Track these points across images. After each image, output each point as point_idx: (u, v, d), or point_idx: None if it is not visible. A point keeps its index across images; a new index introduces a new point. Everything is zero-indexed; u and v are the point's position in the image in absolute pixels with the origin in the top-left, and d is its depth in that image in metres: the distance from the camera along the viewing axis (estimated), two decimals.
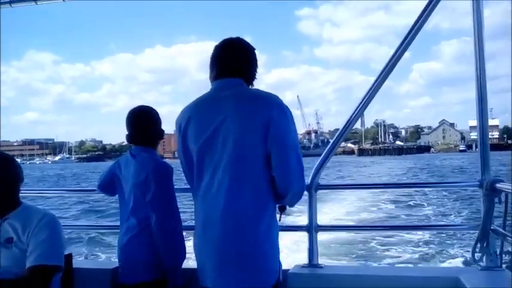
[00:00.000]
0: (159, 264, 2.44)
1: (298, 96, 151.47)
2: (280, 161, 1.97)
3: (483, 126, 2.55)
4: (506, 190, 2.37)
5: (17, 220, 2.25)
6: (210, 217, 2.01)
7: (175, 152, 2.69)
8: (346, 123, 2.78)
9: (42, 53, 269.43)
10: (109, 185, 2.73)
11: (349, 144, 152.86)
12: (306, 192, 2.70)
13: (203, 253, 2.05)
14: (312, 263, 2.70)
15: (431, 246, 9.96)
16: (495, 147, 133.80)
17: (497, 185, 2.42)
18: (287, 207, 2.17)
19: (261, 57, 2.31)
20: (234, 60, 2.11)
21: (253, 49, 2.20)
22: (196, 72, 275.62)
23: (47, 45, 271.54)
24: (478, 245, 2.52)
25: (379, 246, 9.86)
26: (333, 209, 14.60)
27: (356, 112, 2.76)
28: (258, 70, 2.21)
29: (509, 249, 2.60)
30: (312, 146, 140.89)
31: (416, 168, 48.83)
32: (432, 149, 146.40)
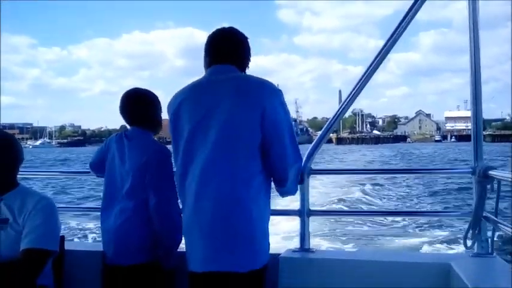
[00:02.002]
0: (154, 246, 2.45)
1: (277, 85, 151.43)
2: (276, 145, 2.02)
3: (477, 116, 2.58)
4: (499, 177, 2.39)
5: (14, 201, 2.22)
6: (200, 201, 2.00)
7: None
8: (338, 111, 2.78)
9: (17, 36, 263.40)
10: (100, 164, 2.69)
11: None
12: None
13: (193, 236, 2.04)
14: (304, 247, 2.70)
15: (423, 232, 10.11)
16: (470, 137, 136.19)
17: (490, 172, 2.43)
18: None
19: None
20: (227, 48, 2.15)
21: (246, 38, 2.24)
22: (175, 58, 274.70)
23: (23, 28, 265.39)
24: (470, 232, 2.54)
25: (371, 232, 9.97)
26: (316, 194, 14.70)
27: (349, 99, 2.75)
28: (250, 59, 2.25)
29: (501, 235, 2.63)
30: None
31: (392, 156, 49.86)
32: (408, 138, 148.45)
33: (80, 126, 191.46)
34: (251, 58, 2.27)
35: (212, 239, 1.97)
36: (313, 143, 2.82)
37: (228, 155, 1.97)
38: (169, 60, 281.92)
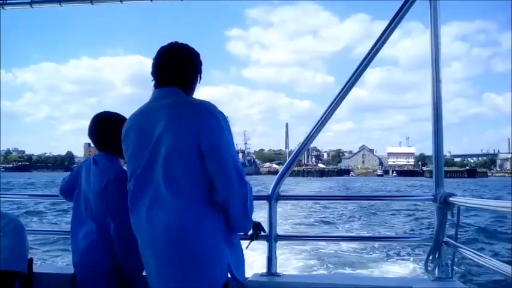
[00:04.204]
0: (119, 269, 2.43)
1: (227, 117, 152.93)
2: (216, 169, 1.92)
3: (438, 146, 2.70)
4: (459, 203, 2.51)
5: None
6: (150, 229, 1.97)
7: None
8: (306, 138, 2.86)
9: None
10: (70, 190, 2.66)
11: (274, 165, 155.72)
12: (266, 202, 2.75)
13: (148, 260, 2.01)
14: (271, 271, 2.72)
15: (386, 257, 10.27)
16: (411, 173, 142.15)
17: (451, 199, 2.55)
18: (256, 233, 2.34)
19: None
20: (171, 68, 2.09)
21: (194, 56, 2.17)
22: (123, 85, 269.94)
23: None
24: (431, 257, 2.63)
25: (336, 257, 10.06)
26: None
27: (315, 129, 2.83)
28: (200, 75, 2.19)
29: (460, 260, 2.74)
30: None
31: (337, 188, 51.33)
32: (352, 172, 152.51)
33: (24, 151, 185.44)
34: (201, 76, 2.20)
35: (165, 263, 1.94)
36: (281, 170, 2.89)
37: (170, 183, 1.92)
38: (117, 87, 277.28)
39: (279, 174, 2.84)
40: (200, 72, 2.19)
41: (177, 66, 2.09)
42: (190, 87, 2.14)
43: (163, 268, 1.94)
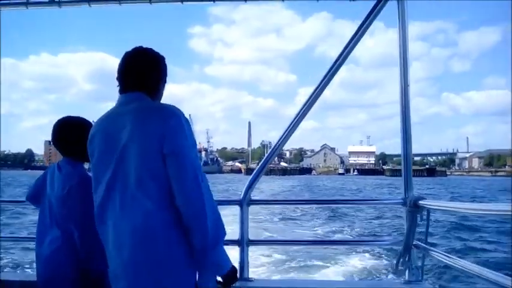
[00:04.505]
0: (84, 273, 2.37)
1: (190, 115, 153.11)
2: (174, 173, 1.88)
3: (407, 152, 2.73)
4: (429, 206, 2.55)
5: None
6: (116, 233, 1.94)
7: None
8: (278, 141, 2.85)
9: None
10: (37, 196, 2.61)
11: (237, 163, 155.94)
12: (237, 207, 2.72)
13: (117, 268, 1.96)
14: (243, 276, 2.69)
15: (357, 260, 10.35)
16: (372, 172, 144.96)
17: (420, 202, 2.59)
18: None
19: None
20: (135, 73, 2.07)
21: (159, 59, 2.15)
22: (84, 82, 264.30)
23: None
24: (401, 260, 2.66)
25: (308, 261, 10.08)
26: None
27: (288, 130, 2.82)
28: (166, 79, 2.18)
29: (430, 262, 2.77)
30: (201, 164, 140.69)
31: (300, 187, 51.63)
32: (314, 171, 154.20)
33: None
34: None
35: (132, 270, 1.90)
36: (253, 174, 2.87)
37: (137, 188, 1.90)
38: (77, 84, 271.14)
39: (251, 178, 2.82)
40: (165, 76, 2.17)
41: (141, 71, 2.07)
42: (156, 91, 2.12)
43: (128, 271, 1.90)
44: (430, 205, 2.55)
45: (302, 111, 2.83)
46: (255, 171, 2.88)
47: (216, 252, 1.93)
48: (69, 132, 2.53)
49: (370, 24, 2.77)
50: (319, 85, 2.80)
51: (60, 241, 2.39)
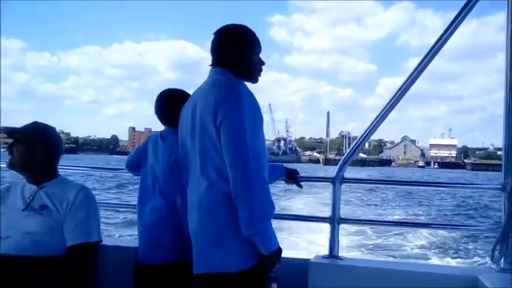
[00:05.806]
0: (186, 246, 2.37)
1: (270, 104, 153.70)
2: (224, 142, 1.91)
3: (509, 133, 2.60)
4: None
5: (53, 190, 2.27)
6: (190, 205, 2.08)
7: None
8: (367, 129, 2.83)
9: (9, 39, 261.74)
10: (137, 164, 2.72)
11: (315, 153, 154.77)
12: (330, 185, 2.75)
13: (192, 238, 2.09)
14: (333, 254, 2.71)
15: (450, 245, 10.08)
16: (453, 165, 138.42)
17: None
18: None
19: None
20: (220, 49, 2.13)
21: (242, 37, 2.15)
22: (166, 70, 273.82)
23: (14, 30, 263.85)
24: (498, 247, 2.58)
25: (399, 242, 9.96)
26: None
27: (378, 118, 2.79)
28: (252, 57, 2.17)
29: None
30: (280, 153, 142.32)
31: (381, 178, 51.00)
32: (393, 163, 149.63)
33: (69, 134, 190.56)
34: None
35: (195, 242, 2.04)
36: (345, 155, 2.87)
37: (202, 160, 2.01)
38: (160, 72, 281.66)
39: (343, 158, 2.83)
40: (253, 52, 2.18)
41: (222, 48, 2.13)
42: (241, 68, 2.12)
43: (197, 240, 2.02)
44: None
45: (391, 102, 2.79)
46: (347, 152, 2.88)
47: (261, 231, 1.91)
48: (169, 102, 2.62)
49: (468, 13, 2.66)
50: (409, 77, 2.74)
51: (165, 210, 2.47)
